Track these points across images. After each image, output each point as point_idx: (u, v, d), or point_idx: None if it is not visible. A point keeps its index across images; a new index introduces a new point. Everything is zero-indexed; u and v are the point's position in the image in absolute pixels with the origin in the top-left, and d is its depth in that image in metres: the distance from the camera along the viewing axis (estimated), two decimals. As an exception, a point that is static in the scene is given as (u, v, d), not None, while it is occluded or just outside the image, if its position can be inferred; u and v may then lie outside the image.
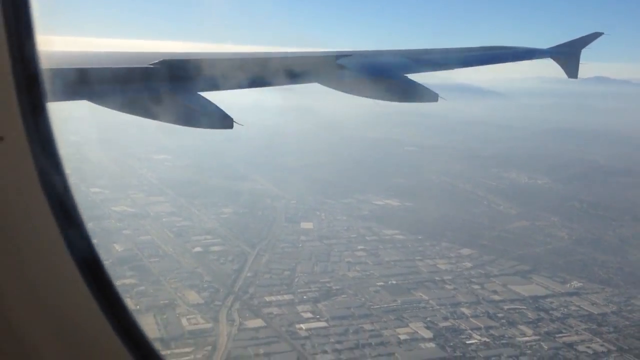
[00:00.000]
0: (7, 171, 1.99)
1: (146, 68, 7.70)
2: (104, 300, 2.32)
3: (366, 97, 10.37)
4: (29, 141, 2.00)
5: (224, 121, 8.05)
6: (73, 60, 7.39)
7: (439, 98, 10.51)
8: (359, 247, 65.16)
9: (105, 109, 7.61)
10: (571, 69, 15.17)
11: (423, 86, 10.49)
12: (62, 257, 2.17)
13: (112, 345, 2.34)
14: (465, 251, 64.96)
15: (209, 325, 46.04)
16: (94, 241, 2.45)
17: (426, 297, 52.46)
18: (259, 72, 9.21)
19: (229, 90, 8.67)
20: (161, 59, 7.91)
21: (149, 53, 8.61)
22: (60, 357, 2.29)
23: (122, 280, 52.71)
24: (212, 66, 8.63)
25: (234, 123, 8.06)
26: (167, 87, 7.87)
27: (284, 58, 10.12)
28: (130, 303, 49.56)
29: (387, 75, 10.72)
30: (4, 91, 1.96)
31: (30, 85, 2.05)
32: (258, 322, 46.77)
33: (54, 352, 2.27)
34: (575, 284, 55.83)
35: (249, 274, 56.10)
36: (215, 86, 8.41)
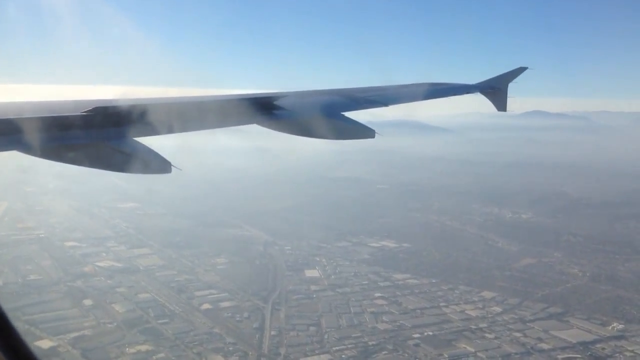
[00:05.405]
0: None
1: (79, 116, 7.50)
2: None
3: (305, 136, 10.18)
4: None
5: (162, 165, 7.73)
6: (2, 110, 7.29)
7: (376, 134, 10.47)
8: (377, 295, 61.17)
9: (38, 159, 7.34)
10: (500, 103, 15.56)
11: (360, 123, 10.52)
12: None
13: None
14: (487, 294, 61.93)
15: (254, 397, 40.89)
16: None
17: (472, 349, 48.84)
18: (194, 116, 9.05)
19: (168, 135, 8.40)
20: (94, 106, 7.66)
21: (82, 100, 8.49)
22: None
23: (137, 347, 47.08)
24: (146, 111, 8.23)
25: (172, 167, 7.72)
26: (100, 134, 7.59)
27: (220, 100, 9.84)
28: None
29: (324, 114, 10.63)
30: None
31: None
32: (306, 390, 41.95)
33: None
34: (617, 325, 53.35)
35: (272, 333, 51.11)
36: (151, 131, 8.06)
